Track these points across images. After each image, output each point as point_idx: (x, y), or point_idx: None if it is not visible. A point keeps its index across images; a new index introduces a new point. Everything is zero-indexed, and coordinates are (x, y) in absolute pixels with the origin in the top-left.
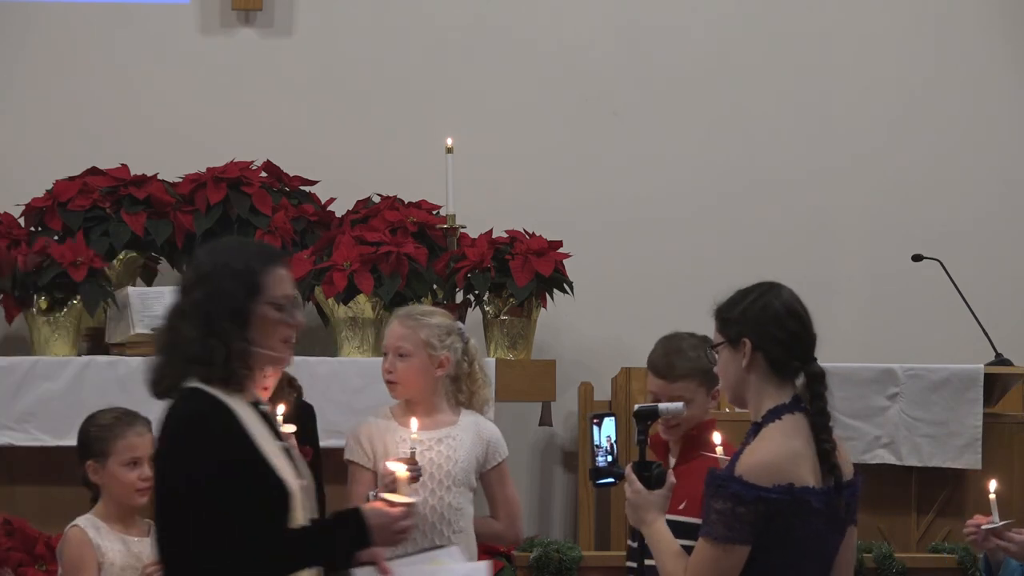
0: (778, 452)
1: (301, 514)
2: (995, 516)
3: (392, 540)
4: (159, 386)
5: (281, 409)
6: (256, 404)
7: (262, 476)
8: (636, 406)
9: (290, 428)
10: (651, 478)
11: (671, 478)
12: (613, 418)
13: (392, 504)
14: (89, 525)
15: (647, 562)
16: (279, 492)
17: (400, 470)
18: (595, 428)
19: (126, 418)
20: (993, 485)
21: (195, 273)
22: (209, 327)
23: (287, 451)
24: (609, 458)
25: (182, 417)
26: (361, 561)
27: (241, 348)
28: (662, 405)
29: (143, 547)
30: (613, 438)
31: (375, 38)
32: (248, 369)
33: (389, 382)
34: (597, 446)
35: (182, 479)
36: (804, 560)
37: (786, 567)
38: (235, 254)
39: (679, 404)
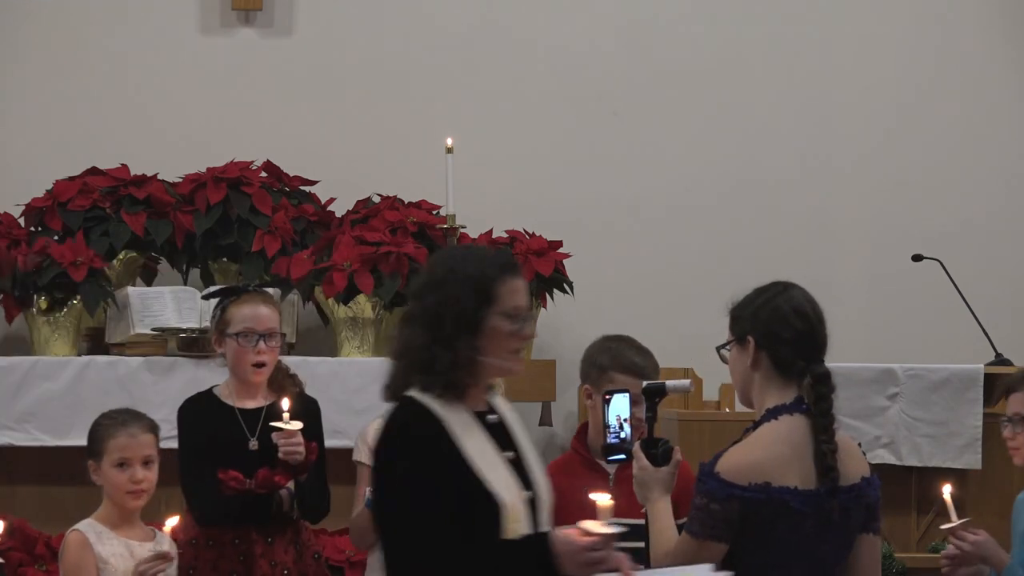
0: (758, 451)
1: (522, 526)
2: (953, 516)
3: (580, 570)
4: (388, 392)
5: (286, 404)
6: (482, 415)
7: (467, 488)
8: (644, 383)
9: (296, 425)
10: (657, 455)
11: (677, 455)
12: (626, 395)
13: (587, 533)
14: (89, 530)
15: None
16: (486, 506)
17: (603, 500)
18: (606, 406)
19: (122, 418)
20: (948, 489)
21: (428, 278)
22: (437, 334)
23: (514, 462)
24: (623, 435)
25: (391, 428)
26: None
27: (468, 357)
28: (669, 383)
29: (145, 552)
30: (623, 416)
31: (375, 38)
32: (472, 378)
33: None
34: (607, 425)
35: (389, 489)
36: (791, 562)
37: (770, 568)
38: (471, 261)
39: (686, 381)
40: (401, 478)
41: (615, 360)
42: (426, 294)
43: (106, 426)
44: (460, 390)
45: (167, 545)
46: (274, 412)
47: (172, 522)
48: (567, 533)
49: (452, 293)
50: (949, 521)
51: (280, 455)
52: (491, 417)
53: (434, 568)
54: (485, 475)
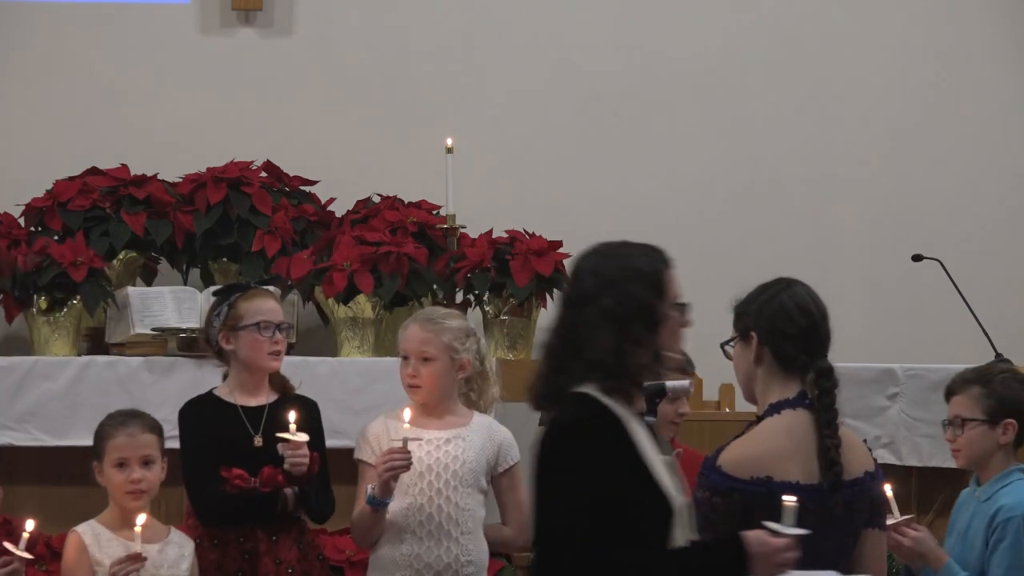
0: (760, 445)
1: (681, 532)
2: (895, 512)
3: (771, 571)
4: (544, 396)
5: (293, 416)
6: (642, 415)
7: (648, 490)
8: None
9: (303, 437)
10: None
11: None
12: None
13: (775, 533)
14: (88, 531)
15: None
16: (664, 508)
17: (789, 500)
18: None
19: (121, 418)
20: (888, 488)
21: (597, 279)
22: (625, 333)
23: (671, 466)
24: None
25: (569, 424)
26: None
27: (655, 352)
28: (669, 383)
29: (153, 554)
30: None
31: (375, 38)
32: (653, 375)
33: (412, 386)
34: None
35: (565, 489)
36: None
37: None
38: (637, 256)
39: (685, 381)
40: (581, 473)
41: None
42: (601, 295)
43: (106, 427)
44: (635, 389)
45: (185, 546)
46: (278, 410)
47: (141, 520)
48: (758, 534)
49: (631, 290)
50: (894, 518)
51: (285, 466)
52: (649, 419)
53: (620, 568)
54: (659, 477)
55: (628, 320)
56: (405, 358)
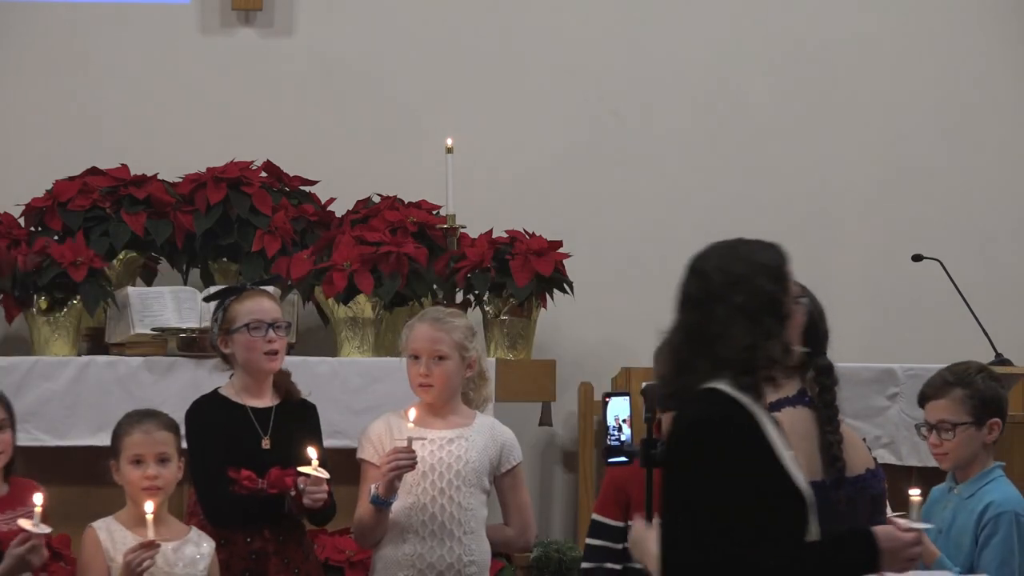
0: None
1: (815, 525)
2: (887, 510)
3: (902, 567)
4: (671, 396)
5: (314, 453)
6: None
7: (784, 484)
8: (644, 384)
9: (324, 474)
10: (656, 455)
11: None
12: (626, 397)
13: (907, 528)
14: (103, 528)
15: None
16: (799, 501)
17: (914, 494)
18: (605, 407)
19: (137, 416)
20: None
21: (725, 277)
22: (757, 328)
23: (795, 461)
24: (623, 437)
25: (703, 420)
26: None
27: (784, 346)
28: None
29: (168, 553)
30: (623, 417)
31: (375, 38)
32: (781, 369)
33: (424, 385)
34: (607, 427)
35: (702, 487)
36: None
37: None
38: (760, 252)
39: None
40: (719, 470)
41: None
42: (731, 292)
43: (123, 424)
44: (768, 383)
45: (204, 546)
46: (284, 412)
47: (149, 508)
48: (887, 529)
49: (760, 285)
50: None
51: (305, 501)
52: (776, 413)
53: (757, 565)
54: (793, 473)
55: (759, 315)
56: (415, 357)
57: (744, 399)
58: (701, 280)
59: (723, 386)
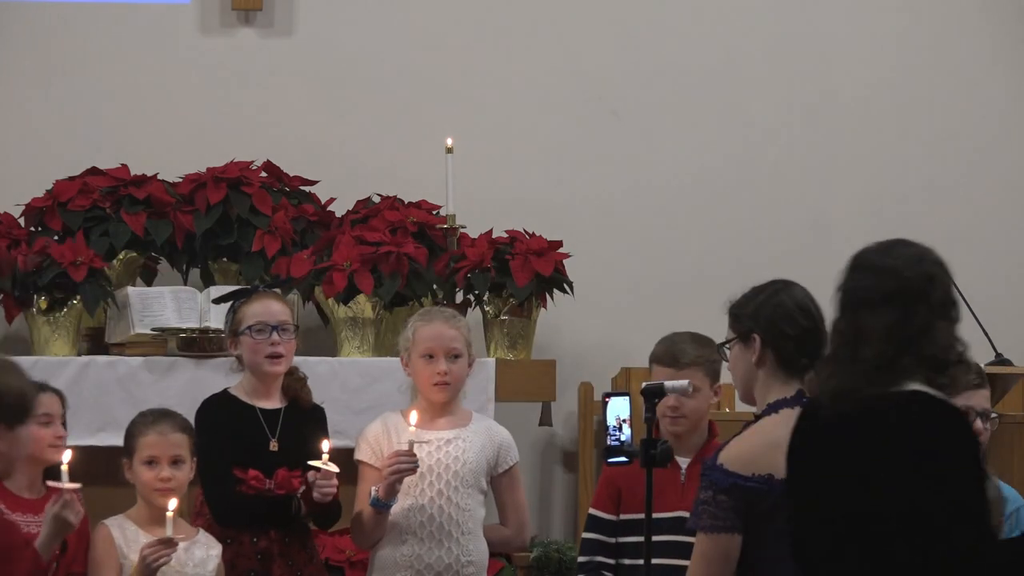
0: (760, 443)
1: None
2: None
3: None
4: (867, 399)
5: (326, 445)
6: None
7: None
8: (643, 384)
9: (334, 468)
10: (656, 455)
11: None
12: (626, 397)
13: None
14: (115, 525)
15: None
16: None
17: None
18: (605, 407)
19: (152, 417)
20: None
21: (921, 275)
22: (952, 327)
23: None
24: (622, 437)
25: (930, 419)
26: None
27: (963, 345)
28: (668, 383)
29: (179, 553)
30: (622, 417)
31: (375, 38)
32: (962, 368)
33: (440, 384)
34: (607, 427)
35: (955, 487)
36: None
37: (771, 562)
38: (930, 250)
39: (684, 381)
40: (968, 468)
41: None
42: (929, 291)
43: (138, 424)
44: (954, 382)
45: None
46: (292, 415)
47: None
48: None
49: (947, 283)
50: None
51: (315, 495)
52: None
53: (996, 569)
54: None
55: (951, 314)
56: (430, 357)
57: (946, 398)
58: (894, 279)
59: (921, 387)
